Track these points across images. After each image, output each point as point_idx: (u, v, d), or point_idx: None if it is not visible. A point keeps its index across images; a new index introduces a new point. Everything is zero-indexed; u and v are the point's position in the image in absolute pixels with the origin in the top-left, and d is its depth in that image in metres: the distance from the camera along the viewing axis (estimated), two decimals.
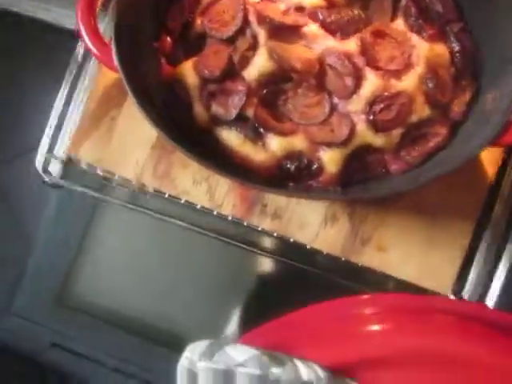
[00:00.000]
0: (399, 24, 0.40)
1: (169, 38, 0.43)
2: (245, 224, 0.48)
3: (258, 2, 0.40)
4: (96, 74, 0.50)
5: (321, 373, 0.30)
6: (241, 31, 0.40)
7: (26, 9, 0.92)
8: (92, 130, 0.49)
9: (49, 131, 0.51)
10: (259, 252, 0.50)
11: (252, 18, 0.40)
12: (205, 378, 0.29)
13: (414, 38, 0.39)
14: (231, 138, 0.40)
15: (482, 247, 0.45)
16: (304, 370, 0.30)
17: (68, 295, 0.65)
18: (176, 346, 0.35)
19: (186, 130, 0.41)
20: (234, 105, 0.40)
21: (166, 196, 0.49)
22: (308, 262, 0.48)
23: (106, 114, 0.49)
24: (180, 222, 0.50)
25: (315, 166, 0.40)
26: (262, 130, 0.40)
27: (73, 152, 0.50)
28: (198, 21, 0.41)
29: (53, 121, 0.51)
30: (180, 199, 0.48)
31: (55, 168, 0.51)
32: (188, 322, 0.62)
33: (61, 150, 0.51)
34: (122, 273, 0.66)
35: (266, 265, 0.59)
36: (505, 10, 0.36)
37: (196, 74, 0.40)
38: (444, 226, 0.45)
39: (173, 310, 0.63)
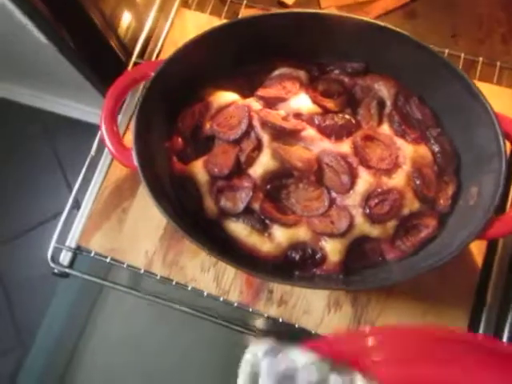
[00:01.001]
0: (385, 129, 0.46)
1: (180, 139, 0.48)
2: (250, 310, 0.50)
3: (261, 109, 0.45)
4: (108, 168, 0.54)
5: None
6: (246, 134, 0.45)
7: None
8: (103, 221, 0.52)
9: (61, 222, 0.53)
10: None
11: (256, 122, 0.45)
12: (266, 375, 0.31)
13: (400, 141, 0.44)
14: (239, 229, 0.43)
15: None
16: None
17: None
18: None
19: (196, 220, 0.44)
20: (241, 199, 0.43)
21: (174, 283, 0.51)
22: None
23: (118, 205, 0.53)
24: (186, 309, 0.51)
25: (319, 255, 0.43)
26: (267, 221, 0.44)
27: (83, 243, 0.52)
28: (208, 125, 0.46)
29: (65, 213, 0.54)
30: (187, 286, 0.50)
31: (65, 257, 0.53)
32: None
33: (72, 241, 0.53)
34: (121, 364, 0.65)
35: None
36: (476, 121, 0.42)
37: (206, 171, 0.45)
38: (440, 311, 0.47)
39: None
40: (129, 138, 0.46)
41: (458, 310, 0.47)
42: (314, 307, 0.48)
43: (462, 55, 0.54)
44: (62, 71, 0.69)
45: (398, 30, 0.43)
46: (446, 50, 0.54)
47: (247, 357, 0.32)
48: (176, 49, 0.45)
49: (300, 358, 0.31)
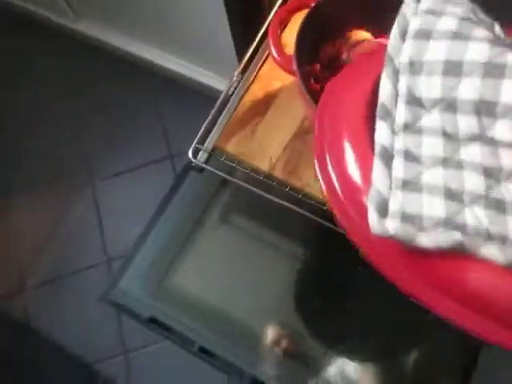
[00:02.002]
0: None
1: (318, 66, 0.59)
2: None
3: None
4: (247, 88, 0.66)
5: None
6: None
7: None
8: (239, 129, 0.64)
9: (202, 128, 0.65)
10: None
11: None
12: None
13: None
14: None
15: None
16: None
17: (169, 280, 0.75)
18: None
19: None
20: None
21: (287, 189, 0.61)
22: None
23: (252, 119, 0.64)
24: (290, 205, 0.60)
25: None
26: None
27: (221, 144, 0.64)
28: (345, 54, 0.57)
29: (206, 121, 0.66)
30: (301, 192, 0.61)
31: (202, 156, 0.66)
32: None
33: (210, 143, 0.65)
34: (216, 270, 0.75)
35: None
36: None
37: None
38: None
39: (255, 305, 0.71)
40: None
41: None
42: None
43: None
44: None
45: None
46: None
47: None
48: None
49: None
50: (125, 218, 1.18)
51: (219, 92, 0.68)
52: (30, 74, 1.34)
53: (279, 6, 0.64)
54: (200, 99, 1.06)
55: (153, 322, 0.70)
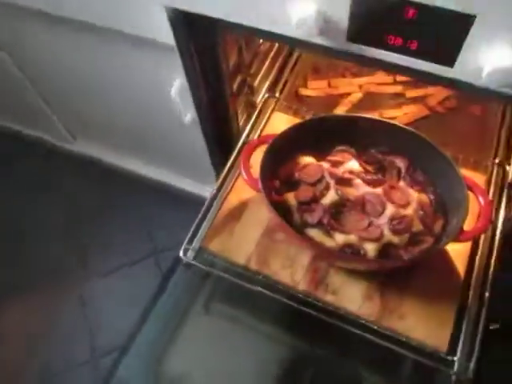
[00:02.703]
0: (402, 184, 0.77)
1: (277, 182, 0.79)
2: (309, 299, 0.76)
3: (329, 167, 0.78)
4: (222, 202, 0.85)
5: None
6: (319, 180, 0.77)
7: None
8: (220, 231, 0.82)
9: (190, 233, 0.83)
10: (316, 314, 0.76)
11: (326, 174, 0.77)
12: None
13: (410, 190, 0.75)
14: (313, 233, 0.73)
15: (467, 317, 0.72)
16: None
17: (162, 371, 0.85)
18: None
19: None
20: (316, 216, 0.73)
21: (261, 277, 0.78)
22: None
23: (229, 223, 0.83)
24: (264, 290, 0.77)
25: (362, 252, 0.71)
26: (331, 231, 0.73)
27: (206, 244, 0.81)
28: (296, 174, 0.78)
29: (194, 226, 0.84)
30: (271, 277, 0.77)
31: (191, 254, 0.82)
32: None
33: (197, 244, 0.82)
34: (203, 353, 0.87)
35: None
36: (456, 185, 0.73)
37: (295, 199, 0.75)
38: (437, 303, 0.73)
39: None
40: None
41: (450, 304, 0.73)
42: (354, 298, 0.75)
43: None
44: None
45: (413, 130, 0.77)
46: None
47: None
48: (279, 132, 0.79)
49: None
50: (113, 315, 1.29)
51: (199, 197, 0.87)
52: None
53: (243, 142, 0.85)
54: (182, 203, 1.25)
55: None
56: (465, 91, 0.58)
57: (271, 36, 0.62)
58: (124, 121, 1.17)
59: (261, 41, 1.04)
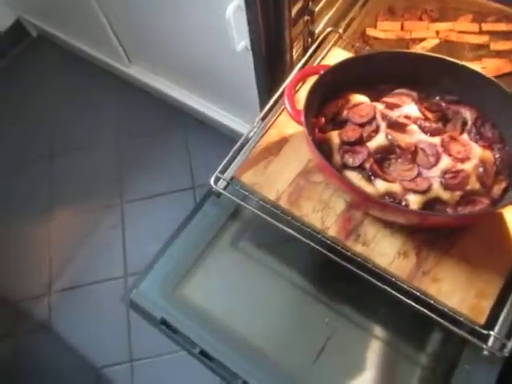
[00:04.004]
0: (465, 136, 0.67)
1: (323, 119, 0.72)
2: (339, 247, 0.70)
3: (383, 109, 0.69)
4: (263, 134, 0.80)
5: None
6: (369, 122, 0.69)
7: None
8: (254, 164, 0.77)
9: (224, 161, 0.79)
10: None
11: (378, 116, 0.69)
12: None
13: (473, 145, 0.66)
14: (353, 176, 0.66)
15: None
16: None
17: (181, 289, 0.85)
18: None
19: None
20: (358, 158, 0.66)
21: (289, 218, 0.73)
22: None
23: (265, 158, 0.78)
24: (292, 231, 0.72)
25: (403, 204, 0.64)
26: (372, 177, 0.66)
27: (238, 175, 0.77)
28: (345, 112, 0.71)
29: (227, 157, 0.80)
30: (300, 220, 0.72)
31: (222, 184, 0.79)
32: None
33: (229, 174, 0.78)
34: (223, 287, 0.86)
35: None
36: None
37: (339, 138, 0.68)
38: (482, 273, 0.65)
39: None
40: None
41: (496, 277, 0.65)
42: (388, 252, 0.69)
43: None
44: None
45: (491, 78, 0.66)
46: None
47: None
48: (333, 64, 0.71)
49: None
50: (146, 239, 1.31)
51: (241, 135, 0.82)
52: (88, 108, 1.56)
53: (297, 71, 0.78)
54: (224, 140, 1.21)
55: (163, 323, 0.80)
56: None
57: None
58: (178, 44, 1.13)
59: None
